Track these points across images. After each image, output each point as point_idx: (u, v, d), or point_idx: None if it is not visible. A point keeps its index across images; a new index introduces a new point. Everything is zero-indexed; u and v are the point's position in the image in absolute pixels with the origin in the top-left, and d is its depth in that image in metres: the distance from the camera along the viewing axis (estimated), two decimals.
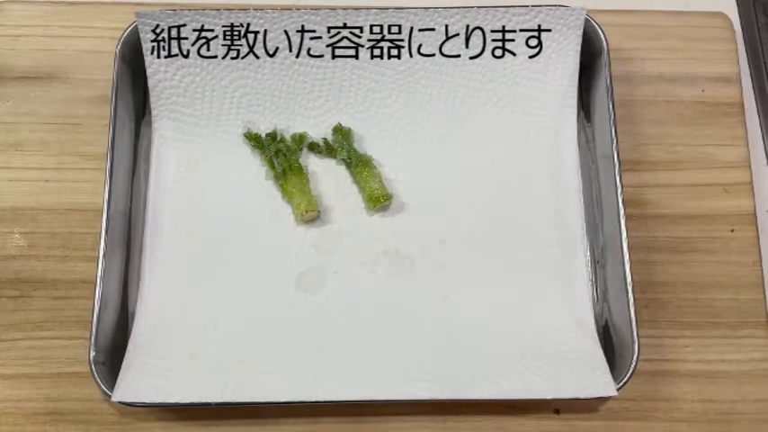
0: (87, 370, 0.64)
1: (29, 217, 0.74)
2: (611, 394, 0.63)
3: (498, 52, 0.75)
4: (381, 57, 0.75)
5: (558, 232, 0.73)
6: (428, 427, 0.68)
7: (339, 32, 0.74)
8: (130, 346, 0.67)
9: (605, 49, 0.74)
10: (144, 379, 0.64)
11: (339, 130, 0.76)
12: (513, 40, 0.75)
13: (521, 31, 0.74)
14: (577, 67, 0.75)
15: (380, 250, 0.73)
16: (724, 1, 0.85)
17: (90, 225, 0.73)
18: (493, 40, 0.75)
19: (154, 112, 0.75)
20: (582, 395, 0.63)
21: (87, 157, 0.76)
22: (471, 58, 0.75)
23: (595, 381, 0.64)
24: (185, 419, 0.68)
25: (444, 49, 0.75)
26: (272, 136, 0.75)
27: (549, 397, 0.63)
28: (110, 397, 0.63)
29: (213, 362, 0.66)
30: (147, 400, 0.62)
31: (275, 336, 0.68)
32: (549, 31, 0.74)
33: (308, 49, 0.74)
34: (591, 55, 0.76)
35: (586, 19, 0.74)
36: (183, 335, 0.68)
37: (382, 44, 0.75)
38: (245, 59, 0.74)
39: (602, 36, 0.74)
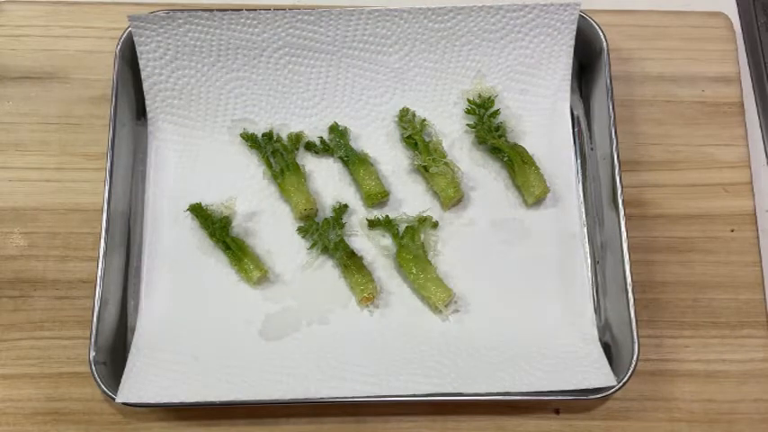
0: (87, 370, 0.64)
1: (29, 217, 0.74)
2: (611, 384, 0.63)
3: (495, 51, 0.76)
4: (377, 55, 0.75)
5: (557, 232, 0.73)
6: (428, 427, 0.68)
7: (333, 32, 0.74)
8: (133, 348, 0.67)
9: (605, 49, 0.74)
10: (147, 380, 0.64)
11: (335, 129, 0.76)
12: (506, 38, 0.75)
13: (515, 29, 0.75)
14: (570, 61, 0.75)
15: (380, 247, 0.73)
16: (724, 1, 0.85)
17: (90, 225, 0.73)
18: (489, 41, 0.75)
19: (150, 115, 0.75)
20: (582, 386, 0.63)
21: (87, 157, 0.76)
22: (468, 56, 0.76)
23: (595, 373, 0.64)
24: (185, 419, 0.68)
25: (438, 47, 0.75)
26: (269, 136, 0.75)
27: (549, 389, 0.63)
28: (111, 397, 0.63)
29: (215, 362, 0.66)
30: (151, 400, 0.63)
31: (276, 335, 0.69)
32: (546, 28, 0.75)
33: (305, 50, 0.75)
34: (591, 55, 0.76)
35: (586, 19, 0.75)
36: (184, 335, 0.68)
37: (378, 42, 0.75)
38: (239, 60, 0.74)
39: (602, 36, 0.74)
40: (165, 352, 0.67)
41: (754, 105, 0.81)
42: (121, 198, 0.71)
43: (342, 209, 0.73)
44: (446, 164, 0.73)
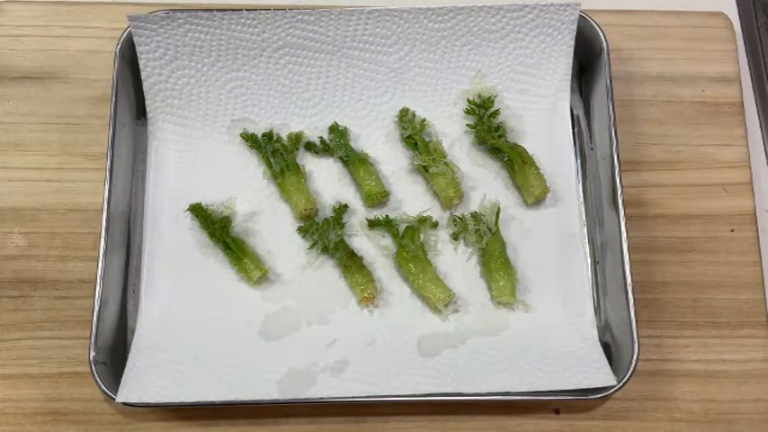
0: (87, 370, 0.64)
1: (29, 217, 0.74)
2: (611, 384, 0.63)
3: (495, 51, 0.76)
4: (377, 55, 0.75)
5: (557, 232, 0.73)
6: (428, 427, 0.68)
7: (333, 32, 0.74)
8: (133, 348, 0.67)
9: (605, 49, 0.74)
10: (147, 380, 0.64)
11: (335, 129, 0.76)
12: (506, 38, 0.75)
13: (515, 29, 0.75)
14: (570, 61, 0.76)
15: (380, 247, 0.73)
16: (724, 1, 0.85)
17: (90, 225, 0.73)
18: (489, 41, 0.75)
19: (150, 115, 0.75)
20: (582, 386, 0.63)
21: (87, 157, 0.76)
22: (468, 56, 0.76)
23: (595, 373, 0.64)
24: (185, 419, 0.68)
25: (438, 47, 0.75)
26: (269, 136, 0.75)
27: (549, 389, 0.63)
28: (111, 397, 0.63)
29: (215, 362, 0.66)
30: (151, 400, 0.63)
31: (276, 335, 0.69)
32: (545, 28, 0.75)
33: (305, 50, 0.75)
34: (591, 55, 0.76)
35: (586, 19, 0.75)
36: (184, 335, 0.68)
37: (378, 42, 0.75)
38: (239, 60, 0.74)
39: (601, 36, 0.74)
40: (165, 352, 0.67)
41: (754, 105, 0.81)
42: (121, 198, 0.71)
43: (342, 209, 0.73)
44: (446, 164, 0.73)
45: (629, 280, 0.66)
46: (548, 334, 0.68)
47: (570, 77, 0.76)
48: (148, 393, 0.63)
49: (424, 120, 0.76)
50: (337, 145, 0.75)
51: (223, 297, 0.70)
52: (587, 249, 0.73)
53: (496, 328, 0.69)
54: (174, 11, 0.73)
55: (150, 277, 0.71)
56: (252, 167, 0.75)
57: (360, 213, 0.74)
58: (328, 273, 0.72)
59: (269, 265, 0.72)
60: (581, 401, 0.68)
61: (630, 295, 0.66)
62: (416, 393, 0.64)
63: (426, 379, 0.65)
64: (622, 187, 0.69)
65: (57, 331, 0.70)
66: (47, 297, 0.71)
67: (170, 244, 0.72)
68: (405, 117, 0.76)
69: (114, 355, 0.67)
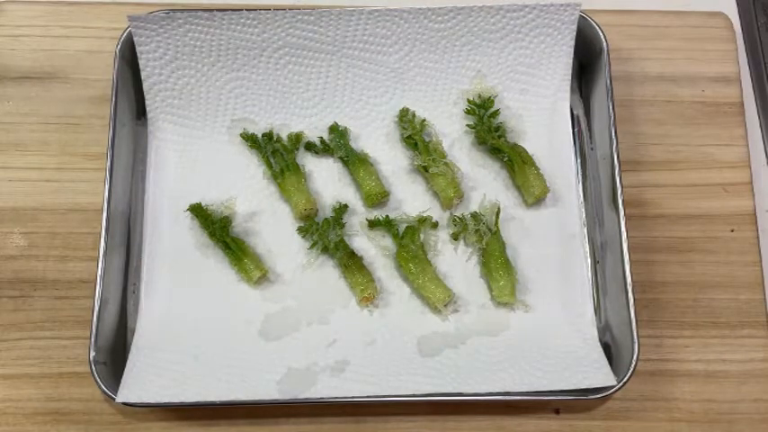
0: (87, 370, 0.64)
1: (29, 217, 0.74)
2: (611, 384, 0.63)
3: (495, 51, 0.76)
4: (377, 55, 0.75)
5: (557, 232, 0.73)
6: (428, 427, 0.68)
7: (333, 32, 0.74)
8: (133, 348, 0.67)
9: (605, 49, 0.74)
10: (147, 380, 0.64)
11: (335, 130, 0.76)
12: (506, 38, 0.75)
13: (515, 29, 0.75)
14: (570, 61, 0.76)
15: (380, 247, 0.73)
16: (724, 1, 0.85)
17: (90, 225, 0.73)
18: (489, 41, 0.75)
19: (150, 115, 0.75)
20: (582, 386, 0.63)
21: (87, 157, 0.76)
22: (468, 56, 0.76)
23: (595, 373, 0.64)
24: (185, 419, 0.68)
25: (438, 47, 0.75)
26: (269, 136, 0.75)
27: (549, 389, 0.63)
28: (111, 397, 0.63)
29: (215, 362, 0.66)
30: (151, 400, 0.63)
31: (276, 335, 0.69)
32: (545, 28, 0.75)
33: (305, 50, 0.75)
34: (591, 55, 0.76)
35: (586, 19, 0.75)
36: (184, 335, 0.68)
37: (378, 42, 0.75)
38: (239, 60, 0.74)
39: (601, 36, 0.74)
40: (165, 352, 0.67)
41: (754, 105, 0.81)
42: (121, 198, 0.71)
43: (342, 209, 0.73)
44: (446, 164, 0.73)
45: (629, 280, 0.66)
46: (548, 334, 0.68)
47: (570, 77, 0.76)
48: (148, 393, 0.63)
49: (424, 120, 0.76)
50: (337, 145, 0.75)
51: (223, 297, 0.70)
52: (587, 249, 0.73)
53: (496, 328, 0.69)
54: (174, 11, 0.73)
55: (150, 277, 0.71)
56: (252, 167, 0.76)
57: (360, 213, 0.74)
58: (328, 273, 0.72)
59: (269, 265, 0.72)
60: (581, 401, 0.69)
61: (630, 295, 0.66)
62: (416, 393, 0.64)
63: (426, 379, 0.65)
64: (622, 187, 0.69)
65: (57, 331, 0.70)
66: (47, 297, 0.71)
67: (170, 244, 0.72)
68: (405, 117, 0.76)
69: (114, 355, 0.67)
